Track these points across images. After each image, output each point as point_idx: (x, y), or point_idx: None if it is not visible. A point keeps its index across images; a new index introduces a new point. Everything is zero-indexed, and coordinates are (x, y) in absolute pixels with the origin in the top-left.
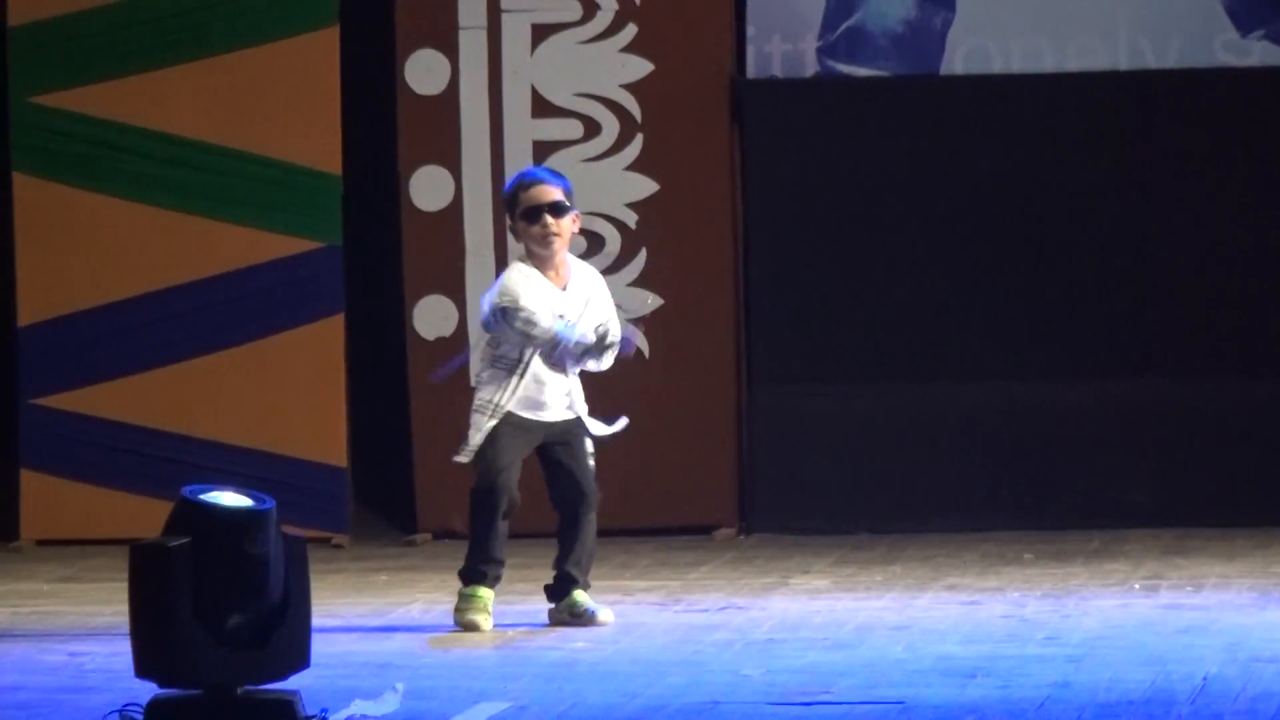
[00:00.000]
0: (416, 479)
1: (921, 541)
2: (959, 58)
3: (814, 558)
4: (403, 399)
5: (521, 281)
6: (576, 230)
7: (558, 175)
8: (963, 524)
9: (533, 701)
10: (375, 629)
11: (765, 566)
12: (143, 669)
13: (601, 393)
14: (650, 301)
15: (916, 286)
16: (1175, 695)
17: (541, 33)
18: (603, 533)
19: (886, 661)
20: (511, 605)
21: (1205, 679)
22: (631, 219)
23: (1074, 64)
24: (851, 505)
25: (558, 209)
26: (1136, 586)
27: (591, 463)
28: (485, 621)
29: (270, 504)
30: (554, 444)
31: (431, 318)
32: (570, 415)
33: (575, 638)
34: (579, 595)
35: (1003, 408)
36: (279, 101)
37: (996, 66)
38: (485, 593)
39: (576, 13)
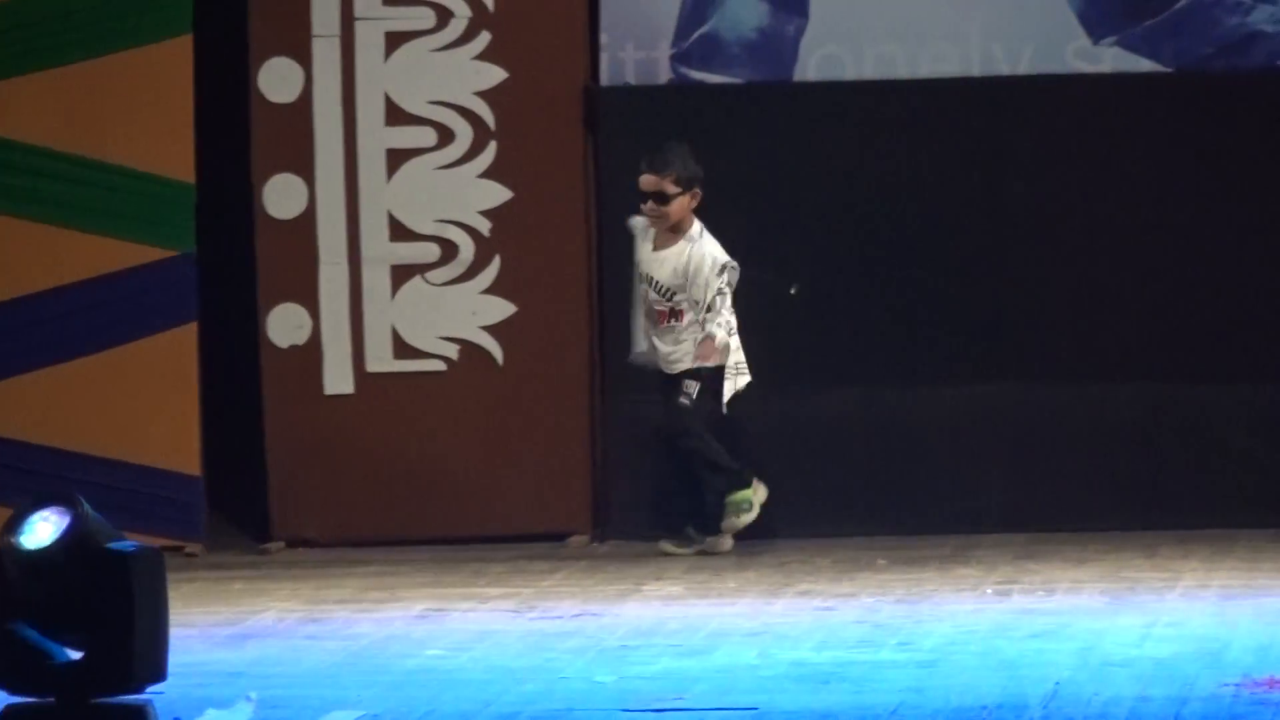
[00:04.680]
0: (270, 487)
1: (775, 547)
2: (812, 64)
3: (667, 564)
4: (256, 407)
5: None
6: (694, 205)
7: (669, 159)
8: (816, 529)
9: (386, 710)
10: (229, 637)
11: (618, 573)
12: None
13: (464, 401)
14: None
15: (759, 291)
16: (1028, 700)
17: (395, 40)
18: (456, 540)
19: (740, 668)
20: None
21: (1058, 684)
22: (485, 226)
23: (926, 70)
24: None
25: (660, 198)
26: (989, 591)
27: (683, 400)
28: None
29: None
30: None
31: (285, 326)
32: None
33: (429, 645)
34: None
35: (853, 413)
36: (132, 110)
37: (850, 73)
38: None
39: (430, 20)
